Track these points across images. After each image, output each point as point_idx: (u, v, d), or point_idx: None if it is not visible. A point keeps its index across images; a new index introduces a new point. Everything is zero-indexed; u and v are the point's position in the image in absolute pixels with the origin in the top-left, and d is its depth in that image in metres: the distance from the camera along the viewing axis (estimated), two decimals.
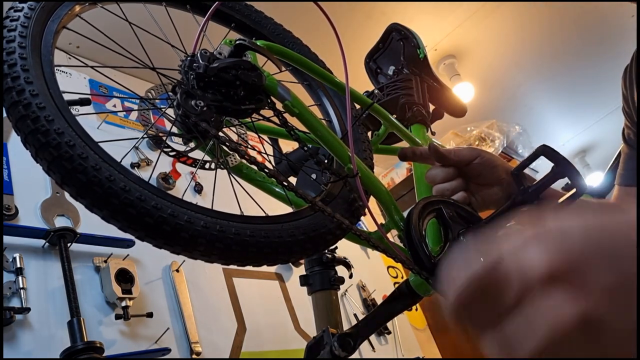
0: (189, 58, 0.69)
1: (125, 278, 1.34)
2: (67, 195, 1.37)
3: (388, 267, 2.52)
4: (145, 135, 0.82)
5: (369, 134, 1.05)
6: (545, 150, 0.71)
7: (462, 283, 0.29)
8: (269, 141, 1.08)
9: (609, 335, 0.26)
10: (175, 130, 0.72)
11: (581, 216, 0.28)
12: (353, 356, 0.73)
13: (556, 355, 0.26)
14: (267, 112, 0.77)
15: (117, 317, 1.28)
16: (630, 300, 0.26)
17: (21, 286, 1.17)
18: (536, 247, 0.27)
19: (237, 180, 0.82)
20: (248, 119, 0.78)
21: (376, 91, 1.09)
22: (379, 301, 2.20)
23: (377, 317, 0.76)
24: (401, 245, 0.79)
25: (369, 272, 2.33)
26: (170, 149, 0.82)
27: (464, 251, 0.30)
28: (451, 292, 0.29)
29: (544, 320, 0.27)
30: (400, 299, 0.76)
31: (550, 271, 0.26)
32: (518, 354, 0.27)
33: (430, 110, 1.17)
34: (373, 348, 1.98)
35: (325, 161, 0.85)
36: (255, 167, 0.66)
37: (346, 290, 2.10)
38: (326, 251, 1.22)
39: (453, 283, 0.29)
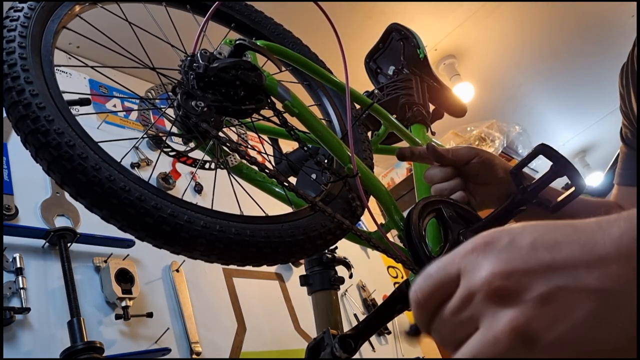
0: (189, 58, 0.69)
1: (125, 278, 1.34)
2: (67, 195, 1.37)
3: (388, 267, 2.52)
4: (145, 135, 0.82)
5: (369, 134, 1.05)
6: (544, 149, 0.71)
7: (419, 282, 0.32)
8: (269, 141, 1.08)
9: (541, 347, 0.26)
10: (175, 130, 0.72)
11: (533, 224, 0.29)
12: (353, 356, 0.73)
13: None
14: (267, 112, 0.77)
15: (117, 317, 1.28)
16: (566, 315, 0.26)
17: (21, 286, 1.17)
18: (485, 256, 0.29)
19: (237, 180, 0.82)
20: (248, 119, 0.78)
21: (376, 91, 1.09)
22: (379, 301, 2.20)
23: (378, 318, 0.76)
24: (401, 245, 0.79)
25: (369, 272, 2.33)
26: (170, 149, 0.82)
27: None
28: (412, 291, 0.32)
29: (479, 331, 0.28)
30: (401, 299, 0.76)
31: (490, 281, 0.28)
32: (459, 356, 0.30)
33: (430, 110, 1.17)
34: (373, 348, 1.98)
35: (325, 161, 0.85)
36: (255, 167, 0.66)
37: (346, 290, 2.10)
38: (326, 251, 1.22)
39: (415, 283, 0.32)
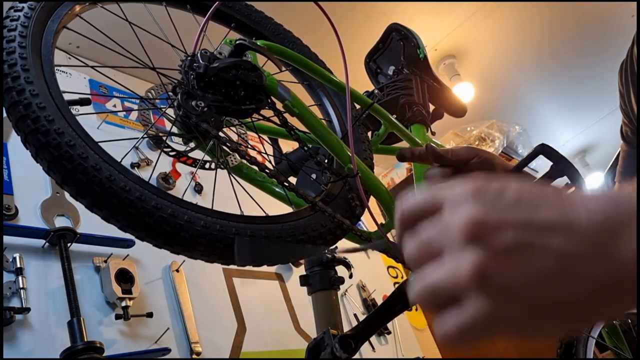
0: (189, 58, 0.69)
1: (125, 278, 1.33)
2: (67, 195, 1.37)
3: (388, 267, 2.52)
4: (145, 135, 0.82)
5: (369, 134, 1.05)
6: (544, 149, 0.71)
7: (408, 200, 0.36)
8: (269, 141, 1.08)
9: (494, 289, 0.29)
10: (175, 130, 0.72)
11: (526, 183, 0.32)
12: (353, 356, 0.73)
13: (443, 296, 0.31)
14: (267, 112, 0.77)
15: (117, 317, 1.28)
16: (524, 268, 0.29)
17: (21, 286, 1.17)
18: (471, 198, 0.32)
19: (237, 180, 0.82)
20: (248, 119, 0.78)
21: (376, 91, 1.09)
22: (379, 301, 2.20)
23: (378, 318, 0.75)
24: None
25: (369, 272, 2.33)
26: (170, 149, 0.82)
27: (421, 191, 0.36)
28: (400, 206, 0.36)
29: (444, 264, 0.31)
30: (401, 299, 0.76)
31: (467, 224, 0.30)
32: (419, 278, 0.33)
33: (430, 110, 1.17)
34: (373, 348, 1.98)
35: (326, 161, 0.85)
36: (255, 168, 0.66)
37: (346, 290, 2.10)
38: (326, 251, 1.22)
39: (405, 201, 0.36)
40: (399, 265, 2.54)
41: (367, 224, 2.31)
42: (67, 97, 0.60)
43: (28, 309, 1.16)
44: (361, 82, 1.13)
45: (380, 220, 0.83)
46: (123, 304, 1.29)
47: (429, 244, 0.33)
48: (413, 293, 0.33)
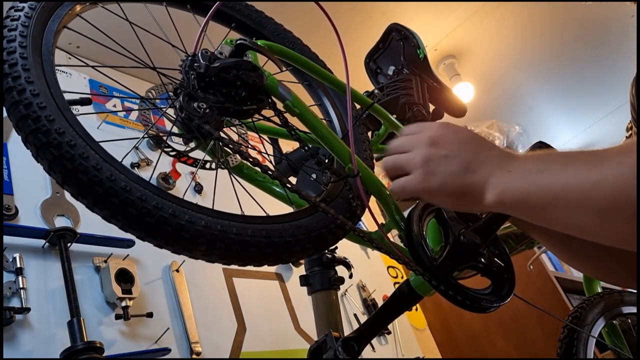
0: (189, 58, 0.69)
1: (125, 278, 1.33)
2: (67, 195, 1.37)
3: (388, 267, 2.52)
4: (145, 135, 0.82)
5: (369, 134, 1.05)
6: (541, 147, 0.72)
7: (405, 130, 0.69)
8: (269, 141, 1.08)
9: (428, 173, 0.61)
10: (175, 130, 0.72)
11: (467, 137, 0.62)
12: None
13: (401, 170, 0.64)
14: (267, 112, 0.77)
15: (117, 317, 1.28)
16: (441, 168, 0.60)
17: (21, 286, 1.17)
18: (433, 131, 0.64)
19: (237, 180, 0.82)
20: (249, 119, 0.78)
21: (376, 91, 1.09)
22: (379, 301, 2.20)
23: (379, 319, 0.76)
24: (401, 244, 0.79)
25: (369, 272, 2.33)
26: (170, 149, 0.82)
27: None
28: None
29: (411, 155, 0.63)
30: (401, 300, 0.76)
31: (429, 141, 0.62)
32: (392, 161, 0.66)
33: (430, 110, 1.17)
34: (373, 348, 1.98)
35: (326, 161, 0.85)
36: (257, 168, 0.66)
37: (346, 290, 2.10)
38: (326, 251, 1.22)
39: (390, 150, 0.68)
40: (400, 266, 2.54)
41: (367, 223, 2.31)
42: (67, 97, 0.60)
43: (28, 309, 1.15)
44: (361, 82, 1.13)
45: (381, 220, 0.83)
46: (123, 304, 1.29)
47: (405, 146, 0.64)
48: (387, 165, 0.66)
